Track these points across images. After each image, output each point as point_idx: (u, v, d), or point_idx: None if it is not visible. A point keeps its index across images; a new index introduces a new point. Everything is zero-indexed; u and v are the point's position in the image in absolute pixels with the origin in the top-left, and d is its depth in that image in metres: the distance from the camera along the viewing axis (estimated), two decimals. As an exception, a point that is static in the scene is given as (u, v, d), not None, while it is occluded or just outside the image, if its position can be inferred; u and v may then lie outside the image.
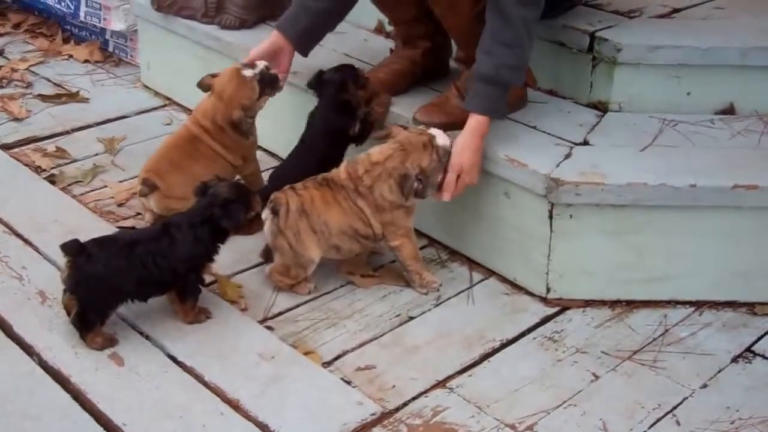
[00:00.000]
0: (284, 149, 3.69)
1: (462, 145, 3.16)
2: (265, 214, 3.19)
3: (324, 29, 3.60)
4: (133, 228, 3.54)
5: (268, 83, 3.50)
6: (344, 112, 3.47)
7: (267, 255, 3.35)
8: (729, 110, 3.55)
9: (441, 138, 3.17)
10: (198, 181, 3.32)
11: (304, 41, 3.57)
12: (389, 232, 3.23)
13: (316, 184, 3.23)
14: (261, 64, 3.49)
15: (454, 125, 3.32)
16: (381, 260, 3.44)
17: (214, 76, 3.55)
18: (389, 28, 4.13)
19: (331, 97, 3.49)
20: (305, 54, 3.60)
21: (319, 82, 3.54)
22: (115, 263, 2.89)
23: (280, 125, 3.83)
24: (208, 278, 3.27)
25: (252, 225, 3.14)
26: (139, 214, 3.67)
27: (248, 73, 3.47)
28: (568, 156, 3.24)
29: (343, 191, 3.20)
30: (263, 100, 3.53)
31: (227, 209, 2.99)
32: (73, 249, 2.87)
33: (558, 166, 3.17)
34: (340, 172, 3.24)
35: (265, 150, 4.04)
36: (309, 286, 3.26)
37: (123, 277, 2.90)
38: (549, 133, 3.40)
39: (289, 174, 3.40)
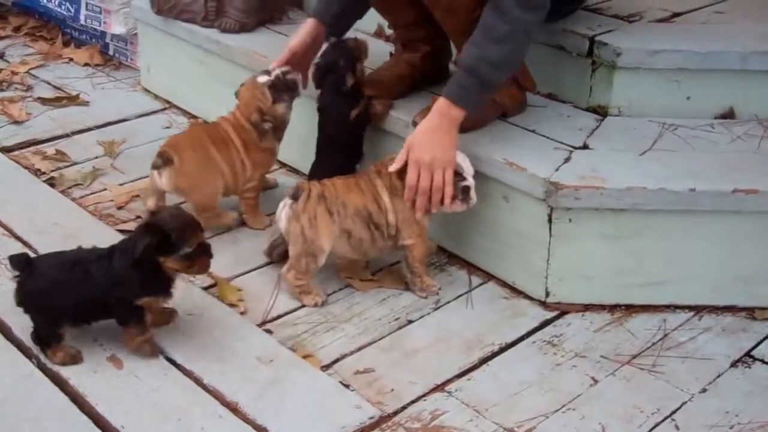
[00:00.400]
0: (298, 157, 3.75)
1: (419, 125, 3.19)
2: (284, 202, 3.20)
3: (353, 15, 3.69)
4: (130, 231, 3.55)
5: (282, 89, 3.55)
6: (347, 99, 3.55)
7: (271, 252, 3.37)
8: (729, 114, 3.55)
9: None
10: (211, 163, 3.44)
11: (337, 26, 3.63)
12: (405, 227, 3.21)
13: (342, 178, 3.26)
14: (277, 71, 3.55)
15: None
16: (380, 264, 3.44)
17: None
18: (389, 31, 4.13)
19: (332, 88, 3.56)
20: (340, 35, 3.65)
21: (318, 76, 3.62)
22: (55, 280, 2.82)
23: (288, 136, 3.78)
24: (208, 281, 3.28)
25: (192, 263, 2.87)
26: (139, 217, 3.67)
27: (262, 79, 3.54)
28: (567, 160, 3.24)
29: (365, 176, 3.24)
30: (281, 106, 3.58)
31: (136, 237, 2.82)
32: (19, 263, 2.82)
33: (557, 170, 3.17)
34: (369, 167, 3.31)
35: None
36: (317, 299, 3.23)
37: (63, 295, 2.81)
38: (548, 137, 3.40)
39: (322, 173, 3.43)
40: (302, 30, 3.62)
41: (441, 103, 3.16)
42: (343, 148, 3.57)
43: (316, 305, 3.22)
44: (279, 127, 3.63)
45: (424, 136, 3.14)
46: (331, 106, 3.57)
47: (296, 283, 3.21)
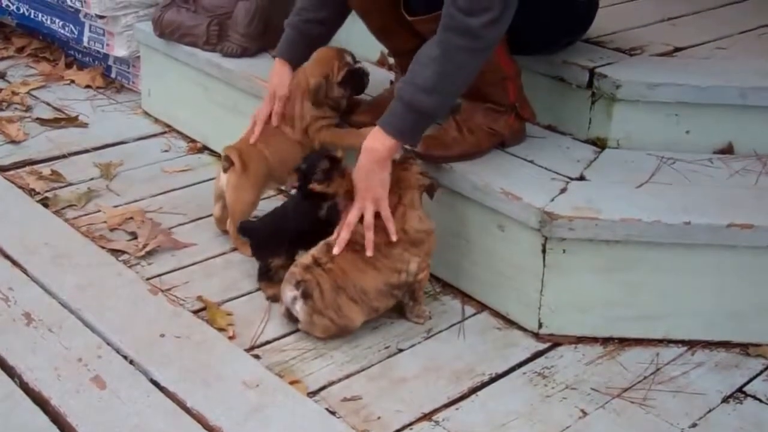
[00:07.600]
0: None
1: (360, 167, 3.12)
2: (295, 295, 3.08)
3: (313, 50, 3.67)
4: (122, 252, 3.54)
5: (350, 83, 3.64)
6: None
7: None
8: (728, 150, 3.52)
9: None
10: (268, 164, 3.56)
11: (300, 64, 3.66)
12: (423, 263, 3.18)
13: (341, 253, 3.10)
14: (362, 64, 3.67)
15: (452, 158, 3.34)
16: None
17: None
18: (392, 60, 4.12)
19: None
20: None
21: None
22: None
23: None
24: (197, 305, 3.26)
25: None
26: (133, 239, 3.65)
27: (348, 58, 3.64)
28: (563, 191, 3.22)
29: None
30: (340, 91, 3.60)
31: None
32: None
33: (552, 200, 3.14)
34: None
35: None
36: None
37: None
38: (546, 168, 3.37)
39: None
40: (276, 75, 3.63)
41: (375, 132, 3.11)
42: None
43: None
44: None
45: (365, 175, 3.10)
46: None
47: None
